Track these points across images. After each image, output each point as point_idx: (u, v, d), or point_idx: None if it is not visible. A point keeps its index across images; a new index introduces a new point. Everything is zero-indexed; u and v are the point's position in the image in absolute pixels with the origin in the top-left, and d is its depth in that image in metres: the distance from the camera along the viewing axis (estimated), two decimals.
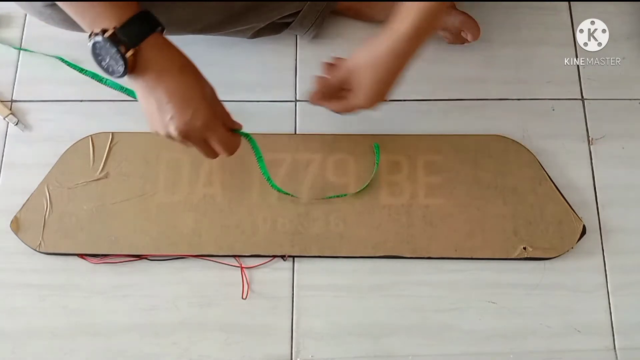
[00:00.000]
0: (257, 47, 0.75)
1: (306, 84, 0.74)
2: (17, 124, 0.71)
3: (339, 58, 0.59)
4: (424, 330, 0.64)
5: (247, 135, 0.59)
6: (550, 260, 0.66)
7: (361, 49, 0.56)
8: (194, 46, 0.74)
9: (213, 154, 0.56)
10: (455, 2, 0.73)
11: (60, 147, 0.69)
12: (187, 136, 0.52)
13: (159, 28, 0.50)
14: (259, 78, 0.74)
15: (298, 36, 0.76)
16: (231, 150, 0.56)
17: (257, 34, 0.72)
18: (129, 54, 0.47)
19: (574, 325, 0.64)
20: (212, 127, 0.53)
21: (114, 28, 0.47)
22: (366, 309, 0.64)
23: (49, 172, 0.68)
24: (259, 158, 0.62)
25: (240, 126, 0.57)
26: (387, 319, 0.64)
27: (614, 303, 0.65)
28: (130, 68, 0.48)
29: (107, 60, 0.48)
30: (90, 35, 0.48)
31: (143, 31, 0.48)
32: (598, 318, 0.65)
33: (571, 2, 0.79)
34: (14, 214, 0.66)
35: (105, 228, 0.66)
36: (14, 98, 0.73)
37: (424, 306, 0.65)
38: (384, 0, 0.74)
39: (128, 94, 0.59)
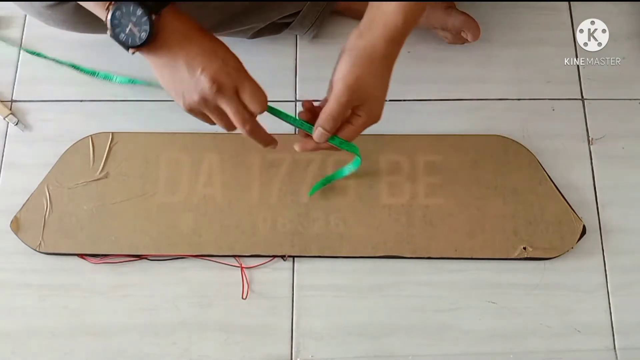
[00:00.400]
0: (257, 47, 0.75)
1: (306, 84, 0.74)
2: (17, 124, 0.71)
3: (316, 101, 0.55)
4: (424, 330, 0.64)
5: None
6: (550, 260, 0.66)
7: (346, 61, 0.51)
8: None
9: (243, 113, 0.52)
10: (455, 2, 0.73)
11: (60, 147, 0.69)
12: (220, 87, 0.50)
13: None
14: (259, 78, 0.73)
15: (298, 36, 0.76)
16: (263, 101, 0.53)
17: (257, 34, 0.72)
18: (154, 18, 0.47)
19: (574, 325, 0.64)
20: (243, 73, 0.51)
21: None
22: (366, 309, 0.64)
23: (49, 172, 0.68)
24: (286, 117, 0.56)
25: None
26: (387, 319, 0.64)
27: (614, 303, 0.65)
28: (155, 33, 0.48)
29: (128, 29, 0.47)
30: (108, 7, 0.47)
31: None
32: (598, 318, 0.65)
33: (571, 2, 0.79)
34: (14, 214, 0.66)
35: (105, 228, 0.66)
36: (14, 98, 0.73)
37: (424, 306, 0.65)
38: (384, 0, 0.74)
39: (141, 84, 0.58)
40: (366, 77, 0.51)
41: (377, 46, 0.51)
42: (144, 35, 0.47)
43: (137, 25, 0.47)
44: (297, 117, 0.55)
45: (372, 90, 0.52)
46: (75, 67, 0.73)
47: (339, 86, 0.51)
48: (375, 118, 0.53)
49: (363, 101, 0.52)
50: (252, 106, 0.52)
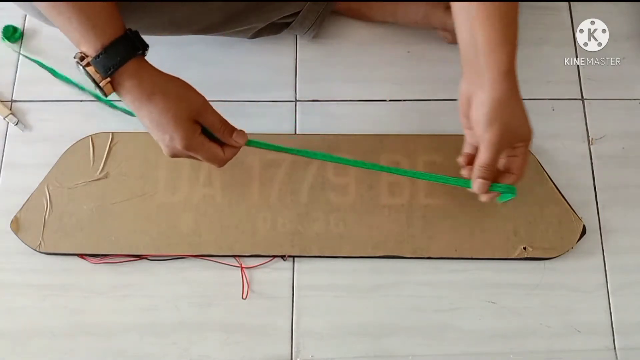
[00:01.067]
0: (257, 47, 0.75)
1: (306, 84, 0.74)
2: (17, 124, 0.71)
3: (468, 154, 0.58)
4: (424, 330, 0.64)
5: (250, 143, 0.58)
6: (550, 260, 0.66)
7: (482, 114, 0.52)
8: (194, 46, 0.75)
9: (216, 160, 0.57)
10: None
11: (60, 147, 0.69)
12: (175, 155, 0.55)
13: (139, 52, 0.51)
14: (259, 78, 0.74)
15: (298, 36, 0.76)
16: (220, 164, 0.57)
17: (257, 34, 0.72)
18: (103, 83, 0.50)
19: (574, 325, 0.64)
20: (192, 147, 0.54)
21: (89, 57, 0.49)
22: (366, 309, 0.64)
23: (49, 172, 0.68)
24: (282, 149, 0.60)
25: (240, 140, 0.57)
26: (387, 319, 0.64)
27: (614, 303, 0.65)
28: (109, 92, 0.51)
29: (88, 79, 0.50)
30: (75, 55, 0.50)
31: (116, 61, 0.49)
32: (598, 318, 0.65)
33: (571, 2, 0.79)
34: (14, 214, 0.66)
35: (105, 228, 0.66)
36: (14, 98, 0.73)
37: (424, 306, 0.65)
38: (384, 0, 0.74)
39: (122, 110, 0.61)
40: (504, 121, 0.53)
41: (498, 88, 0.52)
42: (100, 92, 0.51)
43: (93, 83, 0.50)
44: (450, 177, 0.59)
45: (515, 127, 0.54)
46: (68, 80, 0.73)
47: (485, 142, 0.53)
48: (527, 141, 0.55)
49: (512, 141, 0.55)
50: (212, 164, 0.57)
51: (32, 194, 0.67)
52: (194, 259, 0.66)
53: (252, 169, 0.68)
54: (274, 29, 0.73)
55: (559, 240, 0.66)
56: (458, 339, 0.63)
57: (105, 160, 0.69)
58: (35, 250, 0.65)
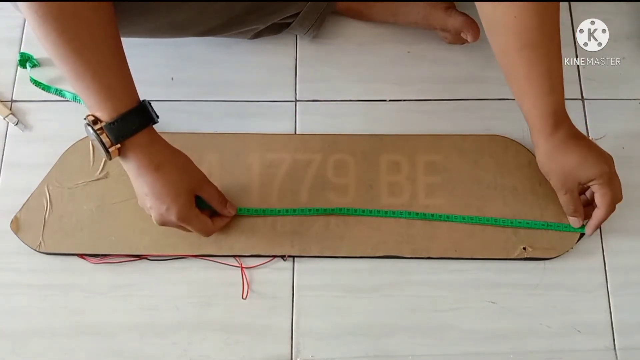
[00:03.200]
0: (257, 47, 0.75)
1: (306, 84, 0.74)
2: (17, 124, 0.71)
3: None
4: (424, 330, 0.64)
5: (242, 210, 0.65)
6: (550, 260, 0.66)
7: (539, 164, 0.61)
8: (194, 46, 0.75)
9: (206, 230, 0.61)
10: (455, 3, 0.73)
11: (60, 147, 0.69)
12: (164, 224, 0.58)
13: (150, 124, 0.53)
14: (259, 78, 0.74)
15: (298, 36, 0.76)
16: (207, 234, 0.62)
17: (258, 34, 0.72)
18: (112, 148, 0.51)
19: (574, 325, 0.64)
20: (186, 219, 0.57)
21: (103, 122, 0.50)
22: (366, 309, 0.64)
23: (49, 172, 0.68)
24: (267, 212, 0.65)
25: (232, 210, 0.63)
26: (387, 319, 0.64)
27: (614, 303, 0.65)
28: (114, 157, 0.52)
29: (96, 142, 0.51)
30: (86, 117, 0.51)
31: (130, 130, 0.51)
32: (598, 318, 0.65)
33: (571, 2, 0.79)
34: (14, 214, 0.66)
35: (105, 228, 0.66)
36: (14, 98, 0.73)
37: (424, 306, 0.65)
38: (384, 0, 0.74)
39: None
40: (558, 170, 0.59)
41: (546, 144, 0.58)
42: (105, 155, 0.52)
43: (101, 146, 0.52)
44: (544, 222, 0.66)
45: (571, 171, 0.59)
46: (60, 92, 0.73)
47: (556, 186, 0.62)
48: (598, 178, 0.59)
49: (577, 182, 0.60)
50: (215, 225, 0.62)
51: (32, 194, 0.67)
52: (194, 259, 0.66)
53: (252, 169, 0.68)
54: (274, 29, 0.73)
55: (558, 240, 0.66)
56: (458, 339, 0.63)
57: (105, 160, 0.69)
58: (35, 250, 0.65)
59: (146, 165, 0.53)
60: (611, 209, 0.61)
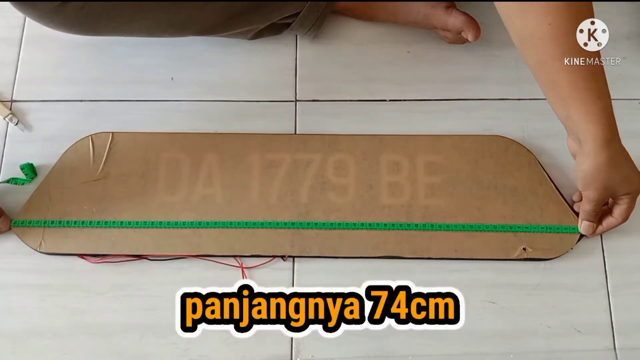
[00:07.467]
0: (257, 47, 0.75)
1: (306, 84, 0.74)
2: (17, 124, 0.71)
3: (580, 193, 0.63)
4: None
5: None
6: (550, 260, 0.66)
7: (582, 174, 0.58)
8: (194, 46, 0.75)
9: None
10: (455, 2, 0.73)
11: (60, 147, 0.69)
12: None
13: None
14: (259, 78, 0.74)
15: (298, 36, 0.76)
16: None
17: (258, 34, 0.72)
18: None
19: (574, 325, 0.64)
20: None
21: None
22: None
23: (49, 172, 0.68)
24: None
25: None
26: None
27: (614, 303, 0.65)
28: None
29: None
30: None
31: None
32: (598, 318, 0.65)
33: None
34: (14, 214, 0.66)
35: (105, 228, 0.66)
36: (14, 98, 0.73)
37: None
38: (384, 0, 0.74)
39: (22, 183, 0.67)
40: (601, 184, 0.58)
41: (598, 158, 0.56)
42: None
43: None
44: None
45: (613, 185, 0.58)
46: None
47: (585, 197, 0.61)
48: (632, 194, 0.60)
49: (612, 196, 0.60)
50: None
51: (32, 194, 0.67)
52: (194, 259, 0.66)
53: (252, 169, 0.68)
54: (274, 29, 0.73)
55: (558, 240, 0.66)
56: (458, 339, 0.63)
57: (105, 160, 0.69)
58: (35, 250, 0.65)
59: None
60: (625, 220, 0.63)
